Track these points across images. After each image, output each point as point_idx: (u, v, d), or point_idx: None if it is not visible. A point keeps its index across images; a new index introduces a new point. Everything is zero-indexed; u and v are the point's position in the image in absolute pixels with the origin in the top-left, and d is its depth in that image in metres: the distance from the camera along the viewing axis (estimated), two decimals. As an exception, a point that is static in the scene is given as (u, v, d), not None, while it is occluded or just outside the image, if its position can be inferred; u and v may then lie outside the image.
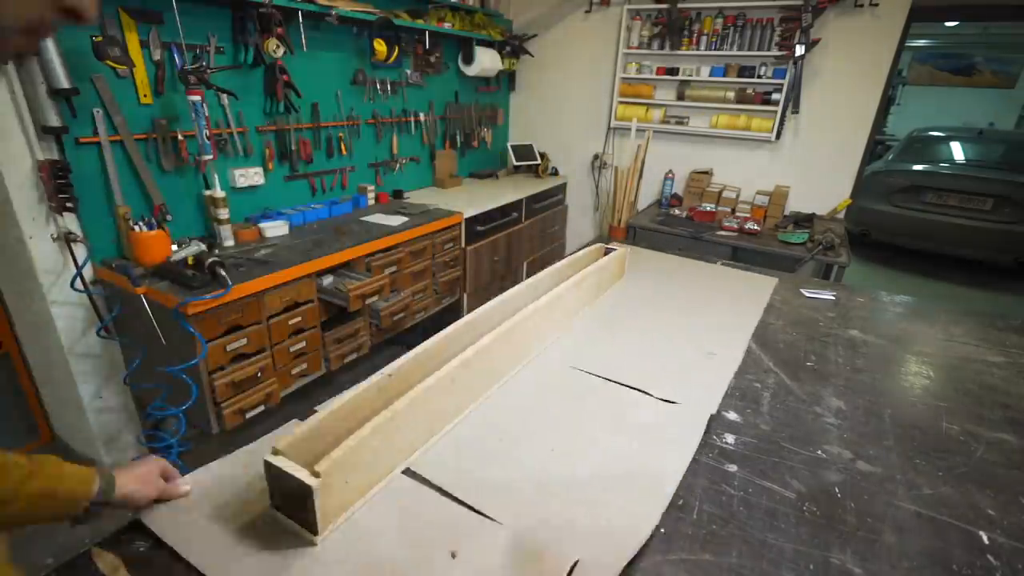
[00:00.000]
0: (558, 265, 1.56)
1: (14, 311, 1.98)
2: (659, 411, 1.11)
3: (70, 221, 1.74)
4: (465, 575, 0.70)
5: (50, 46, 1.48)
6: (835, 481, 0.94)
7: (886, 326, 1.61)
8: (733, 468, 0.96)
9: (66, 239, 1.72)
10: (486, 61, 3.34)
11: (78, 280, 1.73)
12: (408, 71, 2.99)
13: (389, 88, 2.88)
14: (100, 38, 1.58)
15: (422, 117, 3.14)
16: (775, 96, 3.02)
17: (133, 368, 1.84)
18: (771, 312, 1.65)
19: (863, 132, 2.95)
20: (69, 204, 1.67)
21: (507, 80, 3.94)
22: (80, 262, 1.73)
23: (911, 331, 1.59)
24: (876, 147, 2.81)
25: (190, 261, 1.74)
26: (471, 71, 3.34)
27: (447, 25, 3.03)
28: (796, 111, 2.95)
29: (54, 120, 1.58)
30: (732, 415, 1.12)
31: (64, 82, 1.52)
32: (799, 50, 2.75)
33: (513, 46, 3.56)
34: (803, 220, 2.95)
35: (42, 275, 1.74)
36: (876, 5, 2.70)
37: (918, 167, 4.98)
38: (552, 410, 1.09)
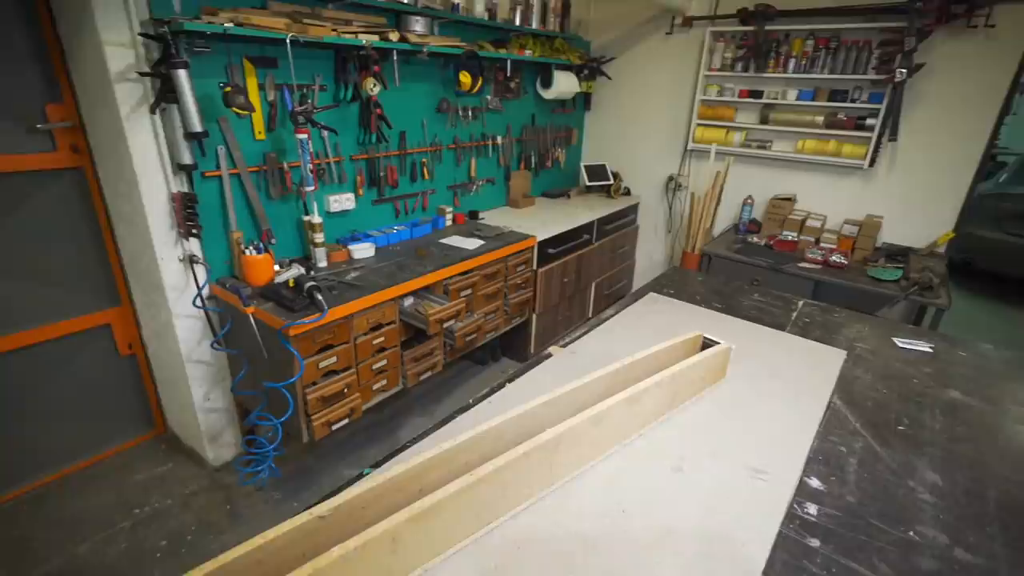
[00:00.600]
0: (635, 357, 1.26)
1: (143, 320, 2.25)
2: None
3: (194, 245, 1.96)
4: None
5: (188, 96, 1.68)
6: (929, 570, 0.89)
7: (993, 387, 1.48)
8: (816, 543, 0.94)
9: (190, 261, 1.94)
10: (563, 85, 3.38)
11: (198, 299, 1.95)
12: (488, 97, 3.09)
13: (470, 114, 2.99)
14: (229, 88, 1.78)
15: (499, 140, 3.23)
16: (870, 121, 2.85)
17: (239, 378, 2.03)
18: (859, 364, 1.57)
19: (971, 161, 2.71)
20: (195, 230, 1.88)
21: (583, 100, 3.96)
22: (201, 283, 1.95)
23: (1023, 396, 1.45)
24: (988, 162, 2.53)
25: (291, 283, 1.90)
26: (549, 95, 3.40)
27: (528, 53, 3.10)
28: (894, 138, 2.76)
29: (187, 159, 1.80)
30: (815, 482, 1.09)
31: (198, 127, 1.72)
32: (900, 75, 2.58)
33: (591, 68, 3.58)
34: (897, 254, 2.75)
35: (169, 291, 1.96)
36: (992, 27, 2.49)
37: (1036, 190, 4.48)
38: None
